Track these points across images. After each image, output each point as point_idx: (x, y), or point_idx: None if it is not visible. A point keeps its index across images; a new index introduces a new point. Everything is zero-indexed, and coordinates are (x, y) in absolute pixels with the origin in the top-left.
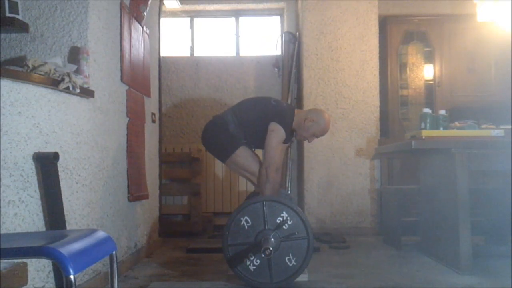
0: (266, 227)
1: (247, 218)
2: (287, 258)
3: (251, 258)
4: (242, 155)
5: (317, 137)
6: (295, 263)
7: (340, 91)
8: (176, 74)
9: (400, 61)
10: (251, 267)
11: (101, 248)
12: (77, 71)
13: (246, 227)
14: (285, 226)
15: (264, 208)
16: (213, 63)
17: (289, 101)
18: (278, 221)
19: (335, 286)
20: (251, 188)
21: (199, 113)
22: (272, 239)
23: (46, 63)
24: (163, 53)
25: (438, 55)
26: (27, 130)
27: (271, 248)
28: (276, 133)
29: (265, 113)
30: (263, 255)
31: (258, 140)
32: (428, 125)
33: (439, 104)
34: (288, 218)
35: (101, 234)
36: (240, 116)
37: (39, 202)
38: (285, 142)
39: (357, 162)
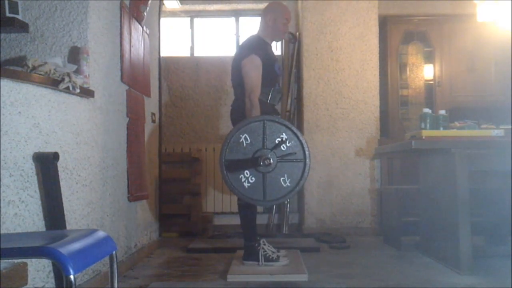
0: (265, 146)
1: (246, 136)
2: (282, 178)
3: (247, 175)
4: None
5: (288, 21)
6: (289, 184)
7: (340, 91)
8: (176, 74)
9: (400, 61)
10: (246, 184)
11: (101, 248)
12: (77, 71)
13: (244, 144)
14: (283, 147)
15: (265, 127)
16: (213, 63)
17: (289, 101)
18: (277, 141)
19: (335, 286)
20: None
21: (199, 113)
22: (270, 157)
23: (46, 63)
24: (163, 53)
25: (438, 55)
26: (27, 130)
27: (271, 160)
28: (248, 62)
29: (240, 58)
30: (261, 166)
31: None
32: (428, 125)
33: (439, 104)
34: (287, 139)
35: (101, 234)
36: (239, 81)
37: (39, 202)
38: (270, 62)
39: (357, 162)
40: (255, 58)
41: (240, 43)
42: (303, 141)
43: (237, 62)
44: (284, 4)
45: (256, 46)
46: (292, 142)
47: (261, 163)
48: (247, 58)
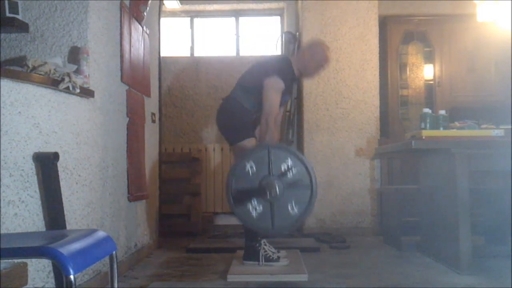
0: (271, 174)
1: (252, 164)
2: (289, 205)
3: (254, 204)
4: (251, 144)
5: (324, 67)
6: (297, 211)
7: (340, 91)
8: (176, 74)
9: (400, 61)
10: (254, 213)
11: (101, 248)
12: (77, 71)
13: (250, 173)
14: (290, 173)
15: (270, 155)
16: (213, 63)
17: (289, 102)
18: (282, 169)
19: (335, 286)
20: None
21: (199, 113)
22: (276, 185)
23: (46, 63)
24: (163, 53)
25: (438, 55)
26: (27, 130)
27: (277, 189)
28: (272, 85)
29: (261, 73)
30: (268, 197)
31: None
32: (428, 125)
33: (439, 104)
34: (293, 166)
35: (101, 234)
36: (245, 88)
37: (39, 202)
38: (286, 94)
39: (357, 162)
40: (278, 82)
41: (272, 53)
42: (309, 167)
43: (260, 75)
44: (330, 51)
45: (283, 70)
46: (298, 168)
47: (269, 195)
48: (271, 78)
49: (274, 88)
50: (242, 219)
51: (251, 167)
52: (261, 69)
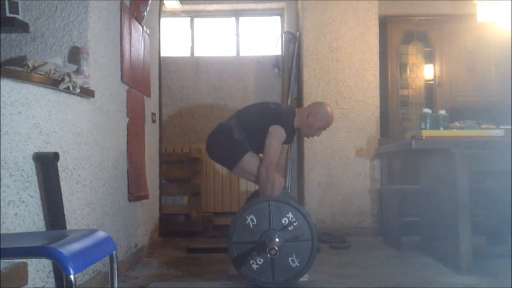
0: (271, 227)
1: (253, 217)
2: (290, 259)
3: (255, 257)
4: (250, 161)
5: (324, 129)
6: (298, 264)
7: (340, 91)
8: (176, 74)
9: (400, 61)
10: (254, 266)
11: (101, 248)
12: (77, 71)
13: (251, 226)
14: (290, 227)
15: (270, 208)
16: (213, 63)
17: (289, 101)
18: (283, 222)
19: (335, 286)
20: (251, 187)
21: (199, 113)
22: (277, 239)
23: (46, 63)
24: (163, 53)
25: (438, 55)
26: (27, 130)
27: (276, 248)
28: (276, 134)
29: (266, 117)
30: (268, 255)
31: (261, 145)
32: (428, 125)
33: (439, 104)
34: (294, 219)
35: (101, 234)
36: (243, 122)
37: (39, 202)
38: (285, 143)
39: (357, 162)
40: (282, 132)
41: (279, 105)
42: (310, 221)
43: (265, 120)
44: (332, 116)
45: (289, 123)
46: (299, 221)
47: (268, 254)
48: (277, 127)
49: (277, 136)
50: (242, 272)
51: (252, 220)
52: (267, 114)
